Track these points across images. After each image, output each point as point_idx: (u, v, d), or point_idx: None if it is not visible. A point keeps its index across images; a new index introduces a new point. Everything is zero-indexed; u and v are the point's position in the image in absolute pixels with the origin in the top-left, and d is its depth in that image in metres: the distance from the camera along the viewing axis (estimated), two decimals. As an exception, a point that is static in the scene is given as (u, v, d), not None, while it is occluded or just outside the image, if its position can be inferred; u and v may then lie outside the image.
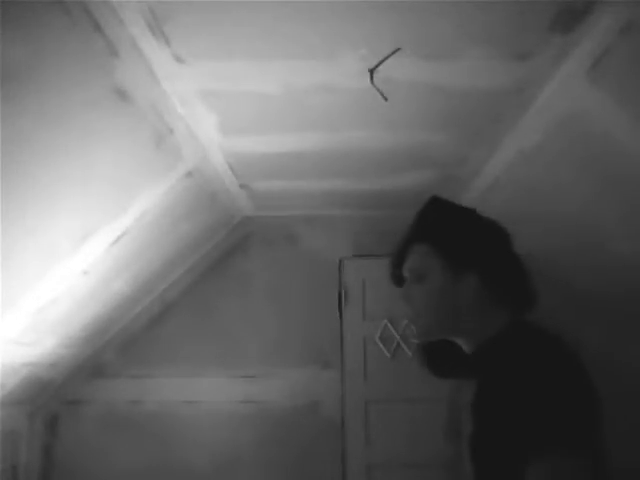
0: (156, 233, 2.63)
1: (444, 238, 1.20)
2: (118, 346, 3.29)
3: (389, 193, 2.97)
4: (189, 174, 2.42)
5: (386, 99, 1.88)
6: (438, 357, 1.25)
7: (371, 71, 1.75)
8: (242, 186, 2.88)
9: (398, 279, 1.24)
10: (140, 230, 2.46)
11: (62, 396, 3.23)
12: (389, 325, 3.19)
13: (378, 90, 1.84)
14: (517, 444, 0.97)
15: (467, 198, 2.98)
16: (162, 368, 3.27)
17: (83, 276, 2.37)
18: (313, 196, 3.05)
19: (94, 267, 2.38)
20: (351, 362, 3.21)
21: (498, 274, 1.18)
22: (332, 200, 3.13)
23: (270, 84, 1.86)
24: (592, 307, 2.98)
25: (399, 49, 1.65)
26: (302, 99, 1.96)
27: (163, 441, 3.19)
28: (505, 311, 1.17)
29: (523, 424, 0.97)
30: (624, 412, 3.12)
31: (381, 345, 3.18)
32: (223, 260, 3.38)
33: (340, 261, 3.32)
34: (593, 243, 2.45)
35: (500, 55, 1.71)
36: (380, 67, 1.73)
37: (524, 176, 2.41)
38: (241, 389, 3.24)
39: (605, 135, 1.85)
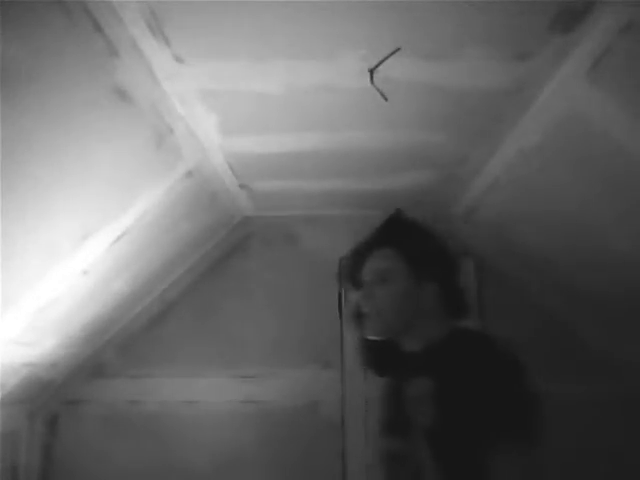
0: (156, 233, 2.63)
1: (410, 246, 1.33)
2: (118, 346, 3.29)
3: (389, 193, 2.97)
4: (189, 174, 2.42)
5: (386, 99, 1.88)
6: (381, 356, 1.39)
7: (371, 71, 1.75)
8: (242, 186, 2.88)
9: (356, 279, 1.37)
10: (140, 230, 2.46)
11: (62, 396, 3.23)
12: (389, 325, 3.19)
13: (378, 90, 1.84)
14: (479, 434, 1.10)
15: (467, 198, 2.98)
16: (162, 368, 3.27)
17: (83, 276, 2.37)
18: (313, 196, 3.05)
19: (94, 267, 2.38)
20: (351, 362, 3.21)
21: (450, 287, 1.35)
22: (332, 200, 3.13)
23: (270, 84, 1.86)
24: (592, 306, 2.98)
25: (399, 49, 1.65)
26: (302, 99, 1.96)
27: (163, 441, 3.19)
28: (449, 318, 1.34)
29: (485, 416, 1.11)
30: (624, 412, 3.12)
31: (381, 345, 3.18)
32: (223, 260, 3.38)
33: (340, 261, 3.31)
34: (593, 242, 2.45)
35: (500, 55, 1.71)
36: (380, 67, 1.73)
37: (524, 176, 2.41)
38: (241, 389, 3.24)
39: (605, 135, 1.85)
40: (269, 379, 3.25)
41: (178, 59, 1.70)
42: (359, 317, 1.43)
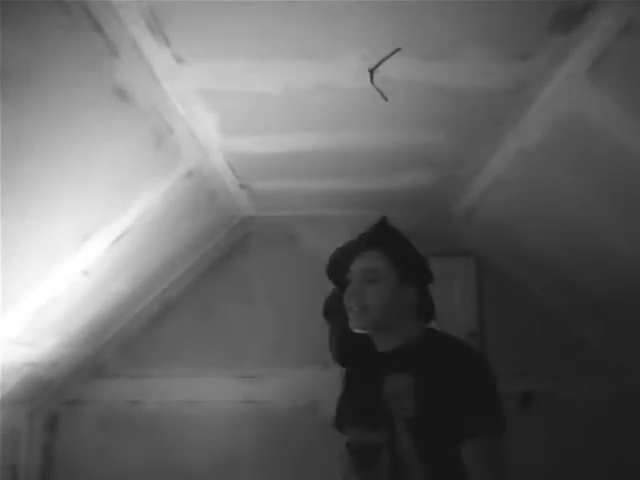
0: (156, 233, 2.63)
1: (396, 250, 1.43)
2: (118, 346, 3.29)
3: (389, 193, 2.97)
4: (189, 174, 2.42)
5: (386, 99, 1.88)
6: (355, 350, 1.48)
7: (371, 71, 1.75)
8: (242, 186, 2.88)
9: (341, 276, 1.44)
10: (140, 230, 2.46)
11: (62, 396, 3.23)
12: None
13: (378, 90, 1.84)
14: (454, 425, 1.23)
15: (467, 198, 2.98)
16: (162, 368, 3.27)
17: (83, 276, 2.37)
18: (313, 196, 3.05)
19: (94, 267, 2.38)
20: (351, 362, 3.20)
21: (424, 291, 1.45)
22: (332, 200, 3.13)
23: (270, 84, 1.86)
24: (592, 306, 2.98)
25: (399, 49, 1.65)
26: (302, 99, 1.96)
27: (163, 441, 3.19)
28: (420, 320, 1.44)
29: (459, 409, 1.24)
30: (624, 412, 3.12)
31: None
32: (223, 260, 3.38)
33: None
34: (593, 242, 2.45)
35: (500, 55, 1.71)
36: (380, 67, 1.73)
37: (524, 176, 2.42)
38: (241, 389, 3.24)
39: (605, 134, 1.86)
40: (269, 379, 3.25)
41: (178, 59, 1.70)
42: (338, 312, 1.53)
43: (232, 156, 2.47)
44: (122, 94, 1.72)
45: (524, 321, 3.22)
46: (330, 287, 3.29)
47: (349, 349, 1.50)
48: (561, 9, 1.50)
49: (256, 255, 3.39)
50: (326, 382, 3.21)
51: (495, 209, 2.87)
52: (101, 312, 2.86)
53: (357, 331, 1.42)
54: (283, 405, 3.22)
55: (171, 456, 3.16)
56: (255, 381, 3.25)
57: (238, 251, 3.40)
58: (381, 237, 1.46)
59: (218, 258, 3.37)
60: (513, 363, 3.08)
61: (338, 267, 1.49)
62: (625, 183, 2.00)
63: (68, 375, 3.16)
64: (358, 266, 1.42)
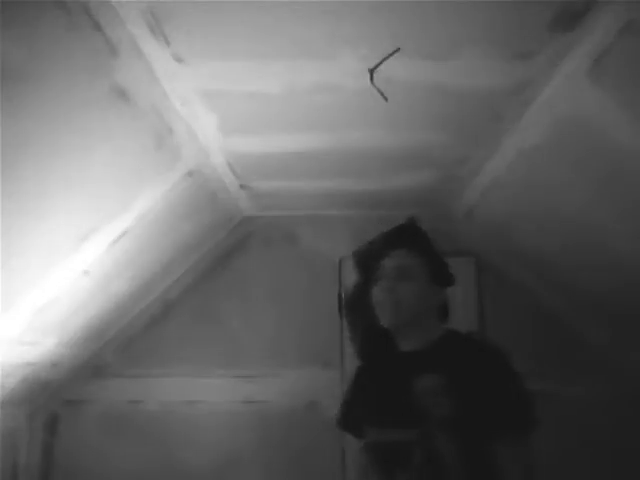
0: (156, 233, 2.63)
1: (427, 250, 1.46)
2: (118, 346, 3.29)
3: (389, 193, 2.97)
4: (189, 174, 2.42)
5: (386, 99, 1.88)
6: (378, 347, 1.50)
7: (371, 71, 1.75)
8: (242, 186, 2.88)
9: (371, 271, 1.47)
10: (140, 230, 2.46)
11: (62, 396, 3.23)
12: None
13: (378, 90, 1.84)
14: (487, 424, 1.26)
15: (467, 198, 2.98)
16: (162, 368, 3.27)
17: (83, 276, 2.37)
18: (313, 196, 3.05)
19: (94, 267, 2.38)
20: (351, 362, 3.19)
21: (445, 293, 1.49)
22: (332, 200, 3.13)
23: (270, 84, 1.86)
24: (592, 306, 2.98)
25: (399, 49, 1.65)
26: (302, 99, 1.96)
27: (163, 441, 3.19)
28: (439, 321, 1.48)
29: (493, 407, 1.27)
30: (624, 412, 3.12)
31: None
32: (223, 260, 3.38)
33: (340, 261, 3.31)
34: (593, 242, 2.45)
35: (500, 55, 1.71)
36: (380, 67, 1.73)
37: (524, 176, 2.41)
38: (241, 389, 3.24)
39: (605, 134, 1.85)
40: (269, 379, 3.25)
41: (178, 59, 1.70)
42: (361, 307, 1.53)
43: (232, 156, 2.47)
44: (122, 94, 1.72)
45: (524, 321, 3.22)
46: (330, 287, 3.30)
47: (372, 345, 1.51)
48: (561, 9, 1.50)
49: (256, 255, 3.39)
50: (326, 382, 3.21)
51: (495, 209, 2.87)
52: (101, 312, 2.86)
53: (386, 326, 1.43)
54: (283, 405, 3.22)
55: (171, 456, 3.16)
56: (255, 381, 3.25)
57: (238, 251, 3.40)
58: (413, 236, 1.49)
59: (218, 258, 3.37)
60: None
61: (368, 262, 1.50)
62: (625, 183, 2.00)
63: (68, 375, 3.16)
64: (391, 263, 1.44)
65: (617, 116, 1.77)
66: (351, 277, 3.28)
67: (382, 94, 1.85)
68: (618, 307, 2.74)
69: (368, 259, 1.50)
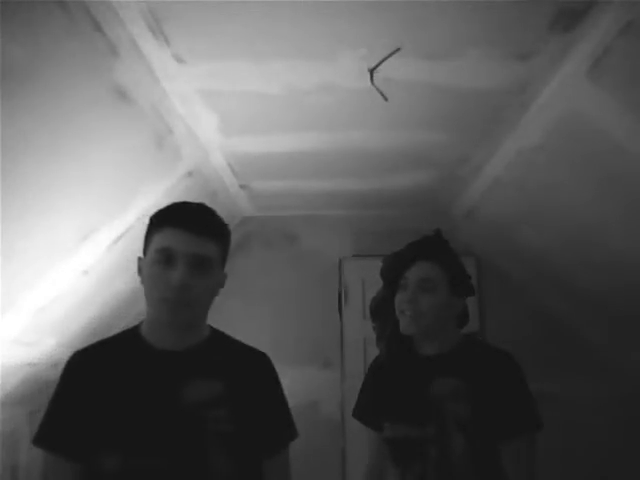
0: (156, 233, 2.63)
1: (451, 262, 1.51)
2: (118, 346, 3.29)
3: (389, 193, 2.97)
4: (189, 174, 2.42)
5: (386, 99, 1.88)
6: (399, 351, 1.57)
7: (371, 71, 1.75)
8: (242, 186, 2.88)
9: (395, 281, 1.53)
10: (140, 230, 2.44)
11: (62, 396, 3.22)
12: (389, 325, 3.20)
13: (378, 90, 1.84)
14: (498, 425, 1.34)
15: (467, 198, 2.98)
16: (162, 368, 3.26)
17: (83, 276, 2.37)
18: (313, 196, 3.05)
19: (94, 267, 2.38)
20: (351, 362, 3.21)
21: (466, 305, 1.56)
22: (332, 200, 3.13)
23: (270, 84, 1.86)
24: (592, 306, 2.98)
25: (399, 49, 1.65)
26: (302, 99, 1.96)
27: (163, 441, 3.18)
28: (458, 327, 1.56)
29: (504, 410, 1.35)
30: (624, 412, 3.12)
31: (381, 345, 3.19)
32: (223, 260, 3.38)
33: (340, 261, 3.32)
34: (593, 242, 2.45)
35: (500, 55, 1.71)
36: (380, 67, 1.73)
37: (524, 176, 2.42)
38: (241, 389, 3.23)
39: (605, 134, 1.85)
40: (269, 379, 3.25)
41: (178, 59, 1.70)
42: (386, 313, 1.60)
43: (232, 156, 2.47)
44: (122, 94, 1.72)
45: (524, 321, 3.22)
46: (330, 287, 3.30)
47: (395, 349, 1.59)
48: (561, 9, 1.50)
49: (256, 255, 3.40)
50: (326, 382, 3.21)
51: (495, 209, 2.87)
52: (101, 312, 2.86)
53: (407, 334, 1.50)
54: (283, 405, 3.22)
55: (171, 456, 3.16)
56: (255, 381, 3.25)
57: (238, 251, 3.39)
58: (438, 249, 1.54)
59: (218, 258, 3.37)
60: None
61: (393, 272, 1.56)
62: (625, 183, 2.00)
63: (68, 375, 3.15)
64: (415, 274, 1.49)
65: (617, 116, 1.77)
66: (351, 277, 3.31)
67: (382, 94, 1.85)
68: (618, 307, 2.74)
69: (393, 269, 1.56)
